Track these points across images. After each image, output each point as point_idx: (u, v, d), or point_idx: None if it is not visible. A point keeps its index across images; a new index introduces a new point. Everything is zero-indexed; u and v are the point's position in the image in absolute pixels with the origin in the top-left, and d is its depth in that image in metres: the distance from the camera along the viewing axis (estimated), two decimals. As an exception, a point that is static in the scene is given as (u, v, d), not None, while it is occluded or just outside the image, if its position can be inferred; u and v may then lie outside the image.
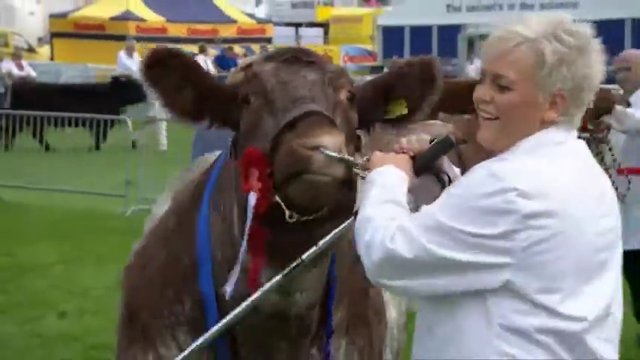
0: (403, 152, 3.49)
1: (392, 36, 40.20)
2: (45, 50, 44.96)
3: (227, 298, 3.57)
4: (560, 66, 3.17)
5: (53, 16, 46.36)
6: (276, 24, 48.76)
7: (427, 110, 3.87)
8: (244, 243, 3.52)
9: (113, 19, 42.61)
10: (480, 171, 3.17)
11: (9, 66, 30.54)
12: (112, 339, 4.39)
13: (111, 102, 23.63)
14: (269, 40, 43.86)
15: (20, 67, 31.07)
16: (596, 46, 3.27)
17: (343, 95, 3.61)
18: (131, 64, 29.24)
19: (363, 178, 3.42)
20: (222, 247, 3.72)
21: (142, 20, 42.68)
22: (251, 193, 3.42)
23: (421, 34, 38.65)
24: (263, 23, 47.95)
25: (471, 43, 38.05)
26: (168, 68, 3.65)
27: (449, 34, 38.01)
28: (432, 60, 3.90)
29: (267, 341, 3.82)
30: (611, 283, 3.30)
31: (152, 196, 9.19)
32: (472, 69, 33.11)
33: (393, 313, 4.52)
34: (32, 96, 25.72)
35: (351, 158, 3.41)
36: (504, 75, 3.22)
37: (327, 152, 3.25)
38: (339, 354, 4.02)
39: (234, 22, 45.64)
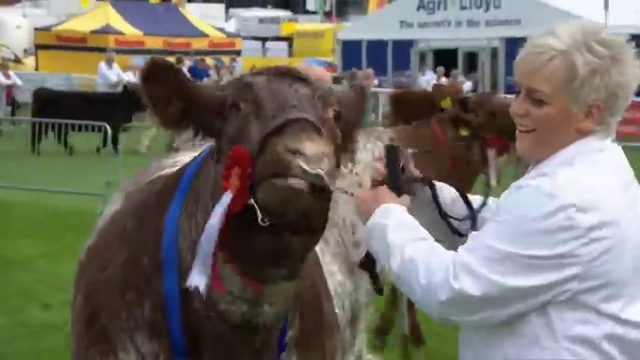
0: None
1: (351, 49, 40.21)
2: (30, 61, 44.67)
3: (201, 292, 3.21)
4: (594, 77, 2.96)
5: (38, 30, 46.07)
6: (244, 38, 48.67)
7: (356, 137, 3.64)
8: (202, 238, 3.22)
9: (94, 32, 42.30)
10: (530, 191, 2.95)
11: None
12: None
13: (125, 108, 23.30)
14: (238, 53, 44.08)
15: (7, 76, 31.23)
16: (630, 53, 3.05)
17: (330, 113, 3.31)
18: (111, 74, 29.21)
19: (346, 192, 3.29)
20: (192, 248, 3.32)
21: (121, 34, 42.34)
22: (227, 192, 3.14)
23: (377, 47, 38.68)
24: (232, 37, 47.92)
25: (422, 56, 38.18)
26: (162, 81, 3.40)
27: (402, 48, 38.08)
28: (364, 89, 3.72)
29: (230, 354, 3.49)
30: None
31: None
32: (424, 80, 33.20)
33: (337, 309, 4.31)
34: (54, 103, 25.35)
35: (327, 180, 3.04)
36: (539, 89, 3.01)
37: (307, 168, 2.94)
38: None
39: (206, 36, 45.47)
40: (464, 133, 8.11)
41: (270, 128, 3.09)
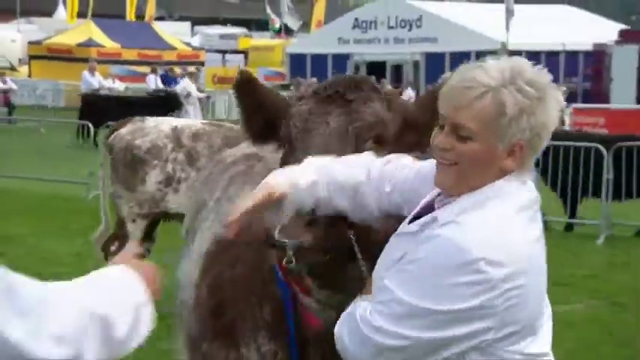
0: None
1: (297, 61, 40.13)
2: (24, 69, 44.20)
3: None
4: (521, 117, 2.48)
5: (31, 43, 45.50)
6: (208, 51, 48.41)
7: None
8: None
9: (79, 45, 41.87)
10: (440, 242, 2.45)
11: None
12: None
13: (159, 110, 22.84)
14: (202, 64, 43.80)
15: (4, 82, 31.06)
16: (554, 93, 2.57)
17: (369, 143, 2.86)
18: (93, 81, 28.95)
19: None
20: None
21: (102, 46, 41.94)
22: None
23: (319, 60, 38.65)
24: (197, 50, 47.70)
25: (357, 67, 38.14)
26: (250, 92, 3.11)
27: (340, 60, 38.02)
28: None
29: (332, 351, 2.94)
30: (550, 327, 2.70)
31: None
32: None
33: None
34: (98, 106, 24.97)
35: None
36: (465, 125, 2.50)
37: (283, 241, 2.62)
38: None
39: (175, 48, 45.19)
40: None
41: None
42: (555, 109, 2.58)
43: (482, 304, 2.39)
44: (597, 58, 32.18)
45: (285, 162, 2.91)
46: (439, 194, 2.64)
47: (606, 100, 31.16)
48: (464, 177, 2.55)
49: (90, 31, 43.40)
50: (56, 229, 12.33)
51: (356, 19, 40.17)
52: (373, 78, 3.14)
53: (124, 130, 8.40)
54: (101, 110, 23.30)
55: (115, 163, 8.26)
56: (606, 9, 53.04)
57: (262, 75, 40.55)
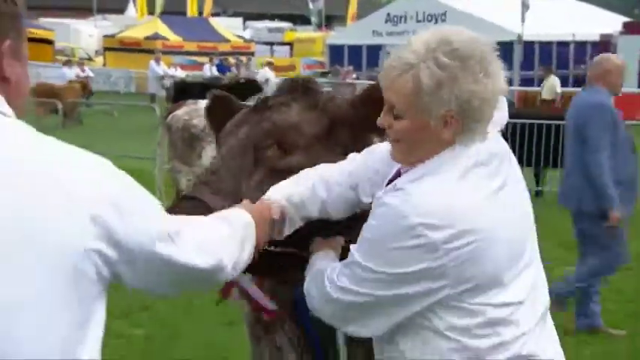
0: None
1: (335, 51, 40.00)
2: (100, 60, 44.50)
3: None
4: (439, 89, 2.24)
5: (105, 36, 45.72)
6: (257, 43, 48.34)
7: None
8: None
9: (146, 38, 41.84)
10: (385, 210, 2.31)
11: (76, 69, 30.71)
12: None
13: (241, 95, 22.46)
14: (252, 54, 43.77)
15: (83, 71, 31.26)
16: (482, 56, 2.30)
17: (272, 150, 2.67)
18: (158, 69, 29.02)
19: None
20: None
21: (166, 39, 41.89)
22: None
23: (355, 50, 38.60)
24: (248, 42, 47.57)
25: (388, 57, 37.90)
26: (223, 111, 2.92)
27: (374, 50, 37.84)
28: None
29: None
30: (532, 274, 2.46)
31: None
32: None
33: None
34: (187, 91, 24.86)
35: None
36: (394, 104, 2.33)
37: None
38: None
39: (229, 41, 45.00)
40: None
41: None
42: (489, 73, 2.29)
43: (428, 265, 2.25)
44: (603, 48, 31.49)
45: None
46: None
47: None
48: (408, 152, 2.38)
49: (156, 26, 43.43)
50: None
51: (388, 14, 39.91)
52: (313, 79, 2.99)
53: (180, 112, 8.37)
54: (190, 95, 23.28)
55: (173, 141, 8.24)
56: (611, 3, 52.80)
57: (305, 64, 40.65)
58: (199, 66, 35.27)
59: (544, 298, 2.50)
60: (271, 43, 49.50)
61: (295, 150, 2.71)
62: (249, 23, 58.18)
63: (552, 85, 23.51)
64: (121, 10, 56.07)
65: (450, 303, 2.31)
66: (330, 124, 2.79)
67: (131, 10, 53.84)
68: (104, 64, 42.92)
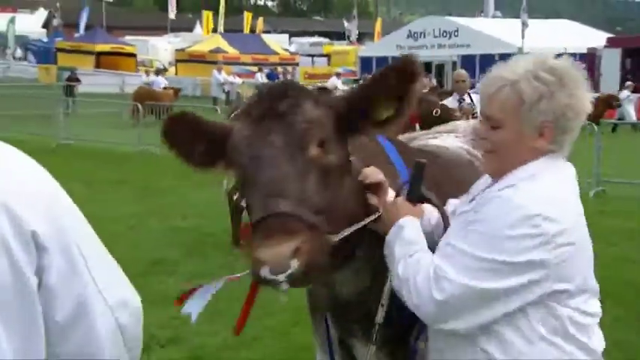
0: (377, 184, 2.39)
1: (366, 62, 39.96)
2: (173, 69, 44.75)
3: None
4: (540, 101, 2.12)
5: (177, 50, 46.11)
6: (301, 55, 48.43)
7: (414, 102, 2.34)
8: None
9: (210, 51, 42.08)
10: (500, 202, 2.10)
11: (153, 77, 30.85)
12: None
13: None
14: (297, 64, 43.67)
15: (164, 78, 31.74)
16: (575, 76, 2.18)
17: (314, 149, 2.21)
18: (220, 77, 29.30)
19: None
20: None
21: (226, 52, 42.05)
22: None
23: (382, 61, 38.13)
24: (293, 54, 47.57)
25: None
26: (179, 131, 2.36)
27: (398, 61, 37.84)
28: (407, 57, 2.38)
29: (345, 323, 2.69)
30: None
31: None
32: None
33: None
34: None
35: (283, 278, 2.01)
36: (493, 116, 2.18)
37: (270, 277, 2.00)
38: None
39: (277, 53, 45.11)
40: None
41: (253, 221, 2.14)
42: (579, 89, 2.17)
43: (538, 256, 2.03)
44: (590, 59, 31.29)
45: (242, 184, 2.27)
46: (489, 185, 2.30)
47: (597, 89, 30.49)
48: (502, 160, 2.20)
49: (218, 41, 43.71)
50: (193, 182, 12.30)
51: (409, 31, 40.15)
52: (295, 82, 2.52)
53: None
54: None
55: None
56: (596, 22, 52.66)
57: (340, 71, 40.61)
58: (252, 74, 35.32)
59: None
60: (312, 55, 49.44)
61: (329, 144, 2.28)
62: (294, 39, 58.23)
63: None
64: (189, 29, 56.40)
65: (544, 303, 2.10)
66: (335, 114, 2.33)
67: (198, 28, 54.15)
68: (176, 73, 43.11)
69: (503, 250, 2.04)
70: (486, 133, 2.21)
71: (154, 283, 7.02)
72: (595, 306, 2.21)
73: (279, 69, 35.49)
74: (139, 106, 19.95)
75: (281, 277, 1.99)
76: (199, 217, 9.88)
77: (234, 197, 8.09)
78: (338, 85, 27.09)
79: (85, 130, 18.80)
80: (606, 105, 22.37)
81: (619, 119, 23.56)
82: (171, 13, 53.74)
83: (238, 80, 31.84)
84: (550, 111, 2.13)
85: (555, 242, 2.04)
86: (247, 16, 54.08)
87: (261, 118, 2.23)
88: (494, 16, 48.02)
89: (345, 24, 55.35)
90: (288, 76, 31.72)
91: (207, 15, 51.47)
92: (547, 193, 2.11)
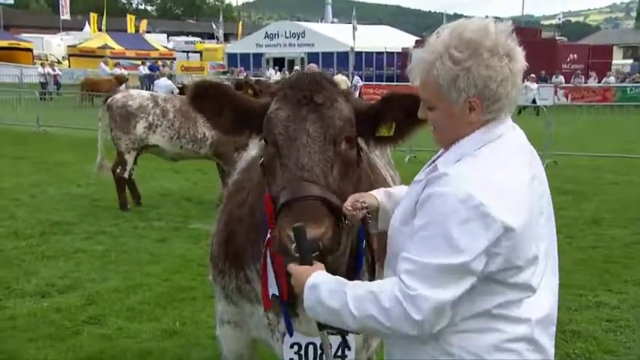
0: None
1: (232, 58, 39.13)
2: (66, 62, 42.25)
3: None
4: (456, 81, 1.73)
5: (69, 46, 43.90)
6: (177, 51, 46.93)
7: (409, 138, 2.14)
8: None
9: (99, 47, 40.27)
10: (444, 201, 1.66)
11: (48, 69, 29.40)
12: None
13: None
14: (174, 59, 42.28)
15: (54, 70, 29.80)
16: (491, 44, 1.72)
17: (343, 144, 2.01)
18: (107, 69, 28.29)
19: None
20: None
21: (113, 48, 40.43)
22: (270, 230, 2.08)
23: (245, 57, 38.04)
24: (171, 50, 46.31)
25: (267, 61, 37.55)
26: (209, 97, 2.15)
27: (258, 57, 37.61)
28: (414, 95, 1.99)
29: None
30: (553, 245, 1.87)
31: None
32: (269, 74, 32.59)
33: None
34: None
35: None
36: (424, 98, 1.83)
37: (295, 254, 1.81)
38: None
39: (157, 50, 43.75)
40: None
41: (283, 199, 1.90)
42: (497, 56, 1.73)
43: (491, 239, 1.64)
44: (404, 56, 32.39)
45: (271, 162, 2.03)
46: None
47: (409, 81, 31.84)
48: (443, 137, 1.84)
49: (105, 39, 42.03)
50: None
51: (266, 32, 39.79)
52: (328, 74, 2.24)
53: (118, 96, 8.35)
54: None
55: (114, 116, 8.12)
56: (408, 28, 55.07)
57: (210, 66, 39.75)
58: (136, 67, 33.90)
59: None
60: (187, 52, 48.09)
61: (353, 142, 2.07)
62: (172, 38, 56.48)
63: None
64: (80, 28, 53.42)
65: (492, 280, 1.70)
66: (356, 116, 2.11)
67: (87, 28, 51.49)
68: (69, 66, 40.77)
69: (459, 250, 1.62)
70: (424, 113, 1.87)
71: (54, 242, 6.78)
72: (539, 278, 1.78)
73: (160, 62, 34.19)
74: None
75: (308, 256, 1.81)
76: (91, 185, 9.48)
77: (117, 170, 8.08)
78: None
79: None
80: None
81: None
82: (64, 15, 51.39)
83: (124, 72, 30.41)
84: (470, 86, 1.74)
85: (503, 226, 1.64)
86: (130, 18, 53.09)
87: (300, 103, 2.02)
88: (332, 22, 48.82)
89: (214, 26, 54.18)
90: (167, 69, 30.53)
91: (93, 16, 49.64)
92: (487, 177, 1.68)
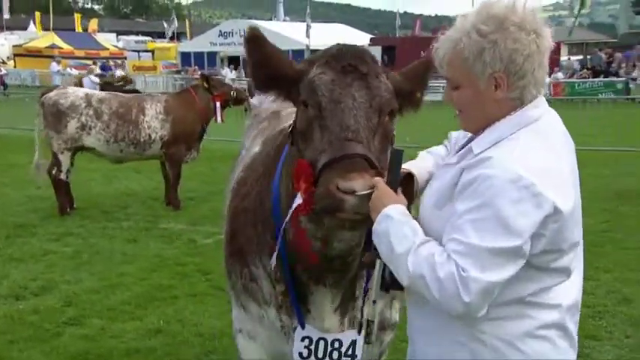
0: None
1: (185, 57, 38.52)
2: (11, 62, 40.78)
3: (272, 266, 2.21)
4: (482, 54, 1.71)
5: (15, 46, 42.11)
6: (128, 50, 45.43)
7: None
8: (283, 227, 2.09)
9: (46, 47, 38.94)
10: (493, 182, 1.62)
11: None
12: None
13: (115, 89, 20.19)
14: (125, 58, 40.74)
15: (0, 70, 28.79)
16: (518, 20, 1.71)
17: (386, 116, 1.96)
18: (58, 68, 27.28)
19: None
20: (285, 209, 2.05)
21: (61, 48, 39.08)
22: (298, 195, 1.92)
23: (199, 55, 37.65)
24: (121, 50, 45.04)
25: (222, 60, 37.22)
26: (260, 46, 2.08)
27: (212, 55, 37.24)
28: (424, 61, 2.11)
29: (320, 275, 2.19)
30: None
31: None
32: (224, 72, 32.32)
33: None
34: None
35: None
36: (449, 77, 1.81)
37: (358, 193, 1.73)
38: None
39: (107, 49, 42.58)
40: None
41: (327, 158, 1.82)
42: (524, 31, 1.71)
43: (542, 219, 1.61)
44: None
45: (310, 126, 1.94)
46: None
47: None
48: (471, 118, 1.81)
49: (53, 39, 40.56)
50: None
51: (220, 31, 39.35)
52: (368, 50, 2.13)
53: (52, 94, 8.00)
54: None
55: (46, 114, 7.83)
56: (361, 26, 55.84)
57: (163, 65, 39.07)
58: (86, 67, 33.15)
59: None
60: (138, 51, 47.14)
61: (394, 116, 2.03)
62: (121, 37, 55.20)
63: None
64: (24, 28, 51.69)
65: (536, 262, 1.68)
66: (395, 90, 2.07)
67: (32, 27, 49.85)
68: (14, 66, 39.27)
69: (513, 233, 1.59)
70: (450, 94, 1.83)
71: (20, 244, 6.61)
72: (576, 265, 1.81)
73: (111, 62, 33.45)
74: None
75: (367, 209, 1.75)
76: (50, 187, 9.14)
77: (54, 172, 7.79)
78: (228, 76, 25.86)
79: None
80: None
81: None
82: (5, 14, 49.83)
83: (75, 72, 29.62)
84: (496, 60, 1.71)
85: (553, 207, 1.62)
86: (77, 16, 51.75)
87: (344, 71, 1.95)
88: (284, 20, 48.72)
89: (165, 25, 53.33)
90: (118, 70, 29.87)
91: (38, 15, 48.46)
92: (533, 158, 1.66)
